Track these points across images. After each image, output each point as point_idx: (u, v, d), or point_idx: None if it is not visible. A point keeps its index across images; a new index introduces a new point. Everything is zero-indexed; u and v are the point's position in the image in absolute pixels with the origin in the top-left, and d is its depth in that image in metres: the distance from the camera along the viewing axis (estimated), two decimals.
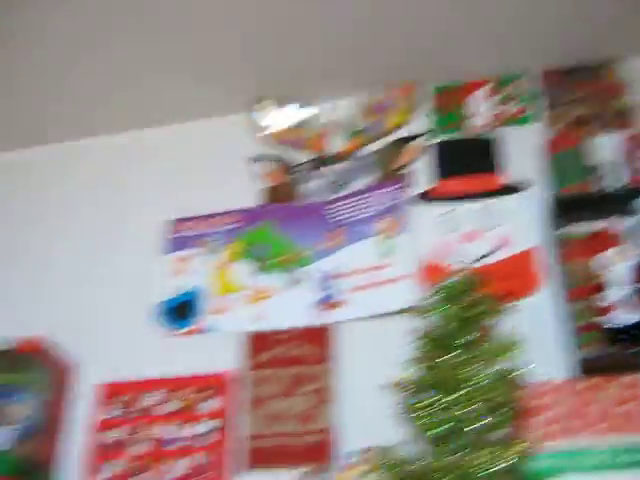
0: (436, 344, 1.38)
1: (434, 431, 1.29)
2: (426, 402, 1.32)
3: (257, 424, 1.54)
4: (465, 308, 1.39)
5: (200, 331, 1.67)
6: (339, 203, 1.73)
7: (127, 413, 1.60)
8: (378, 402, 1.46)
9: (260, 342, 1.62)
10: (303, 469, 1.46)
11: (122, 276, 1.79)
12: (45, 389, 1.58)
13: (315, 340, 1.60)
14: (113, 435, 1.58)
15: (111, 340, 1.70)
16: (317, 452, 1.48)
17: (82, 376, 1.68)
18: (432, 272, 1.60)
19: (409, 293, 1.58)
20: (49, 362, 1.61)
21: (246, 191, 1.79)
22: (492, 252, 1.61)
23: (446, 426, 1.29)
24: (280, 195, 1.77)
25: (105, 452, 1.57)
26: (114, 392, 1.62)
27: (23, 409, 1.55)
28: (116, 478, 1.54)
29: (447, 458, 1.27)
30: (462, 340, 1.36)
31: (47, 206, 1.95)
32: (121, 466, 1.54)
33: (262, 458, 1.51)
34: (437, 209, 1.68)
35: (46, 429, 1.56)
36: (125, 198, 1.90)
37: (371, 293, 1.61)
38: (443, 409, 1.30)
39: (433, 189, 1.71)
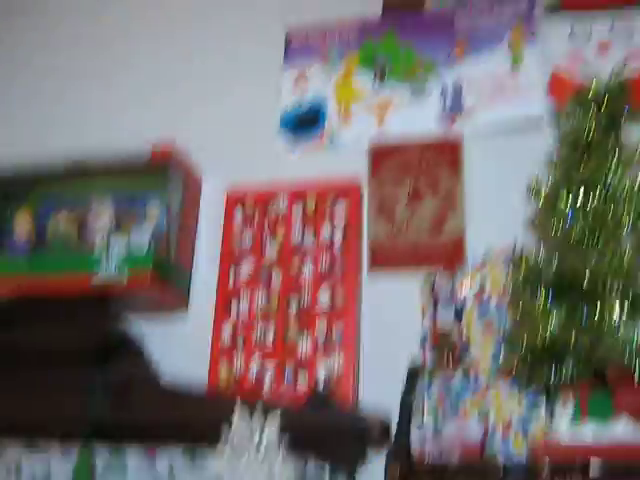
0: (573, 151, 1.38)
1: (570, 234, 1.32)
2: (562, 205, 1.33)
3: (384, 230, 1.58)
4: (603, 115, 1.38)
5: (323, 142, 1.69)
6: (466, 11, 1.68)
7: (254, 220, 1.65)
8: (508, 209, 1.50)
9: (384, 152, 1.64)
10: (431, 270, 1.51)
11: (246, 87, 1.80)
12: (177, 195, 1.63)
13: (441, 150, 1.60)
14: (241, 241, 1.64)
15: (236, 150, 1.74)
16: (445, 255, 1.53)
17: (209, 184, 1.73)
18: (562, 84, 1.57)
19: (539, 104, 1.57)
20: (180, 169, 1.64)
21: None
22: (625, 65, 1.57)
23: (583, 229, 1.32)
24: (403, 3, 1.72)
25: (234, 257, 1.63)
26: (241, 200, 1.67)
27: (157, 213, 1.61)
28: (247, 281, 1.61)
29: (582, 260, 1.30)
30: (601, 146, 1.36)
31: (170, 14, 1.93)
32: (251, 270, 1.61)
33: (390, 261, 1.56)
34: (568, 20, 1.62)
35: (179, 233, 1.62)
36: (246, 8, 1.87)
37: (499, 104, 1.60)
38: (580, 213, 1.32)
39: None
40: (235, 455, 1.17)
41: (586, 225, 1.31)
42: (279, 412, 1.23)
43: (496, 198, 1.55)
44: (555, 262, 1.32)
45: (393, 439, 1.35)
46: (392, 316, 1.53)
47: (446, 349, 1.38)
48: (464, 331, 1.44)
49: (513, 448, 1.35)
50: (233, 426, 1.19)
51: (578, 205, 1.33)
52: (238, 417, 1.20)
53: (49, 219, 1.71)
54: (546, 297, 1.32)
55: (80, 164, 1.67)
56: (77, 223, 1.70)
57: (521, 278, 1.35)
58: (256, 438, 1.18)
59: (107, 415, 1.50)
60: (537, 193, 1.39)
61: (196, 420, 1.45)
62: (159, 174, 1.62)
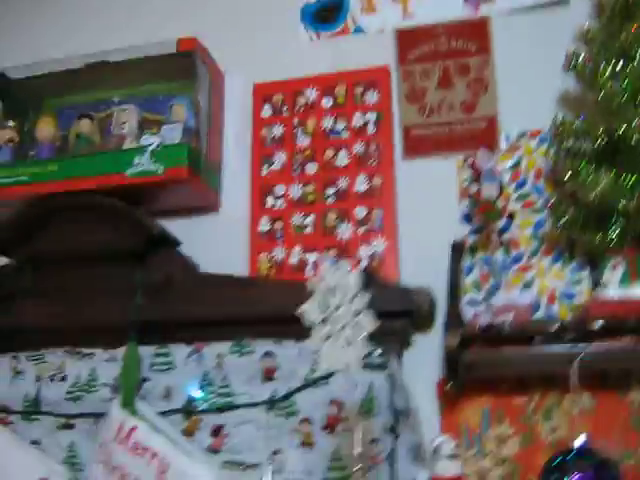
0: (610, 18, 1.37)
1: (612, 100, 1.31)
2: (603, 73, 1.32)
3: (415, 116, 1.57)
4: None
5: (348, 31, 1.67)
6: None
7: (285, 111, 1.63)
8: (541, 88, 1.50)
9: (412, 37, 1.62)
10: (466, 154, 1.51)
11: None
12: (204, 90, 1.60)
13: (470, 33, 1.58)
14: (271, 134, 1.62)
15: (259, 44, 1.71)
16: (479, 138, 1.52)
17: (233, 80, 1.70)
18: None
19: None
20: (205, 63, 1.61)
21: None
22: None
23: (624, 93, 1.31)
24: None
25: (266, 151, 1.62)
26: (268, 92, 1.65)
27: (184, 111, 1.58)
28: (281, 173, 1.60)
29: (628, 123, 1.30)
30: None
31: None
32: (284, 162, 1.60)
33: (423, 146, 1.55)
34: None
35: (208, 130, 1.60)
36: None
37: None
38: (621, 77, 1.32)
39: None
40: (324, 303, 1.18)
41: (628, 89, 1.31)
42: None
43: (528, 78, 1.54)
44: (599, 127, 1.32)
45: (445, 311, 1.36)
46: (428, 200, 1.53)
47: (491, 219, 1.38)
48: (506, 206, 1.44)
49: (558, 315, 1.37)
50: (321, 275, 1.19)
51: (618, 69, 1.32)
52: (325, 267, 1.21)
53: (71, 124, 1.68)
54: (592, 162, 1.32)
55: (102, 63, 1.63)
56: (100, 127, 1.67)
57: (565, 145, 1.36)
58: (341, 287, 1.19)
59: (150, 313, 1.49)
60: (574, 66, 1.38)
61: (242, 306, 1.45)
62: (185, 68, 1.58)
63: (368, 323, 1.12)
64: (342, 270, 1.17)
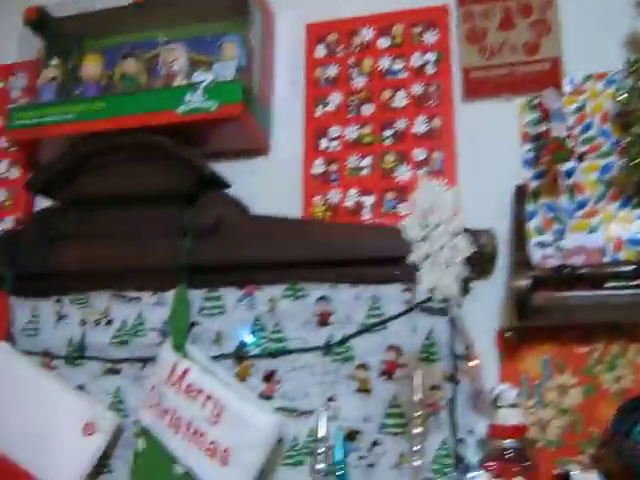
0: None
1: None
2: None
3: (475, 57, 1.51)
4: None
5: None
6: None
7: (339, 51, 1.58)
8: (606, 30, 1.44)
9: None
10: (529, 96, 1.46)
11: None
12: (256, 28, 1.55)
13: None
14: (326, 72, 1.57)
15: None
16: (542, 80, 1.46)
17: (284, 20, 1.65)
18: None
19: None
20: (257, 4, 1.56)
21: None
22: None
23: None
24: None
25: (320, 92, 1.57)
26: (322, 33, 1.60)
27: (237, 46, 1.53)
28: (336, 111, 1.55)
29: None
30: None
31: None
32: (339, 103, 1.55)
33: (484, 88, 1.50)
34: None
35: (261, 70, 1.55)
36: None
37: None
38: None
39: None
40: (423, 220, 1.14)
41: None
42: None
43: (593, 19, 1.48)
44: None
45: (512, 254, 1.31)
46: (488, 143, 1.48)
47: (561, 159, 1.32)
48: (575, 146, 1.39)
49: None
50: (419, 191, 1.15)
51: None
52: (424, 183, 1.16)
53: (116, 64, 1.63)
54: None
55: (149, 1, 1.58)
56: (146, 67, 1.62)
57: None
58: (440, 206, 1.14)
59: (200, 255, 1.45)
60: None
61: (296, 249, 1.41)
62: (235, 6, 1.53)
63: (465, 246, 1.07)
64: (439, 188, 1.13)
